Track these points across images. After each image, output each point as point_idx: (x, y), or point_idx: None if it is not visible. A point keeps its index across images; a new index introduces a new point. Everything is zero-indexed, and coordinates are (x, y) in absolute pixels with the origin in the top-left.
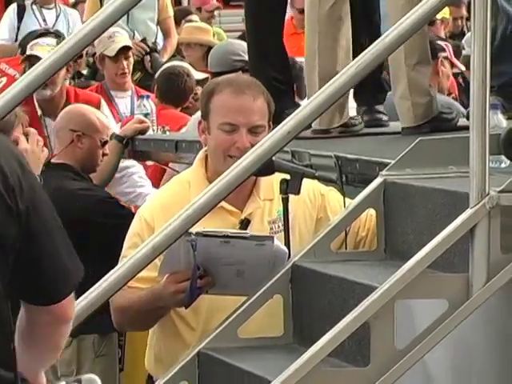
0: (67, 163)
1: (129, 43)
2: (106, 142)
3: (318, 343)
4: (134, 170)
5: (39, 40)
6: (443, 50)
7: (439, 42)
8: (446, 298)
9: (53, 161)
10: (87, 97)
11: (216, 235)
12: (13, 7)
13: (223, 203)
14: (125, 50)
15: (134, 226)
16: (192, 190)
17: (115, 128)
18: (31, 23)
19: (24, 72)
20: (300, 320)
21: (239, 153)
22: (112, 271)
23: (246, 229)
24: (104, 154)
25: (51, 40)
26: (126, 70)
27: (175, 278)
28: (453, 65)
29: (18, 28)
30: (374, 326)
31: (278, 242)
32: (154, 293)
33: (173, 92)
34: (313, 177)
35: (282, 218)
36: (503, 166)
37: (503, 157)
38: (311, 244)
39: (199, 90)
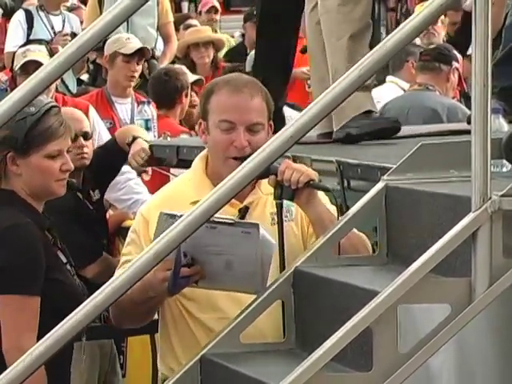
0: None
1: (144, 45)
2: (77, 136)
3: (321, 348)
4: (130, 176)
5: (30, 47)
6: (457, 60)
7: (455, 52)
8: (449, 302)
9: None
10: (75, 104)
11: None
12: (21, 13)
13: None
14: (140, 53)
15: (134, 222)
16: (191, 186)
17: (106, 134)
18: (40, 30)
19: (13, 79)
20: (302, 325)
21: (237, 152)
22: (113, 278)
23: (244, 216)
24: (81, 147)
25: (40, 47)
26: (135, 74)
27: (164, 265)
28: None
29: (28, 35)
30: (377, 331)
31: (265, 232)
32: (144, 282)
33: (157, 95)
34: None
35: (284, 210)
36: (505, 170)
37: (505, 161)
38: (313, 249)
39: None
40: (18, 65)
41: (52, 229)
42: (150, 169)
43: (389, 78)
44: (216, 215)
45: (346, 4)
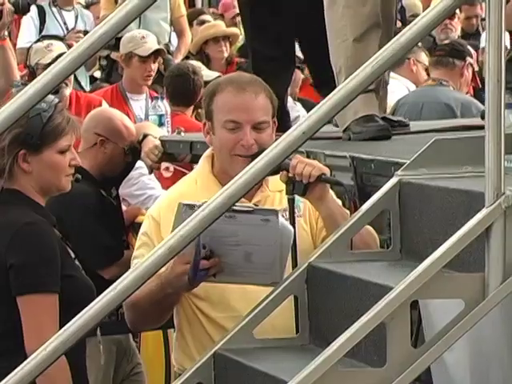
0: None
1: (160, 47)
2: (131, 151)
3: (334, 344)
4: (144, 172)
5: (52, 41)
6: (471, 56)
7: (469, 48)
8: (462, 297)
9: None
10: (88, 99)
11: None
12: (33, 9)
13: None
14: (156, 53)
15: (143, 225)
16: (199, 186)
17: None
18: (53, 26)
19: (31, 74)
20: (315, 320)
21: (244, 151)
22: (127, 273)
23: None
24: (128, 162)
25: (59, 42)
26: (152, 73)
27: (182, 259)
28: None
29: (40, 30)
30: (390, 327)
31: (284, 220)
32: (162, 279)
33: (181, 93)
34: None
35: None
36: None
37: None
38: (327, 244)
39: None
40: (41, 58)
41: (56, 225)
42: (171, 166)
43: None
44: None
45: (351, 6)
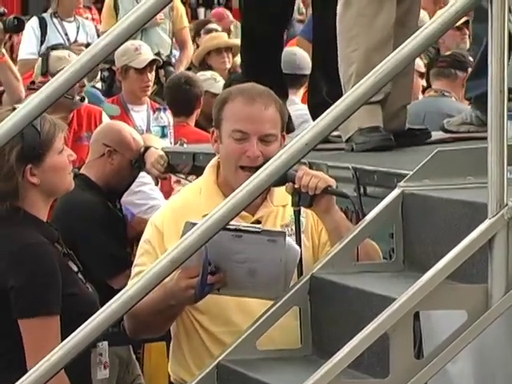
0: (84, 174)
1: (154, 57)
2: (138, 164)
3: (337, 355)
4: (146, 181)
5: (69, 52)
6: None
7: (470, 59)
8: (466, 308)
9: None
10: (89, 110)
11: (228, 228)
12: (35, 20)
13: None
14: (151, 63)
15: (145, 233)
16: (202, 196)
17: None
18: (54, 37)
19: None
20: (319, 332)
21: (250, 162)
22: (130, 285)
23: None
24: (135, 176)
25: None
26: (150, 84)
27: (187, 274)
28: None
29: (42, 42)
30: (393, 338)
31: (290, 240)
32: (165, 290)
33: (176, 105)
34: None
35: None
36: None
37: None
38: (330, 255)
39: None
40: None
41: (59, 239)
42: (182, 180)
43: None
44: (242, 224)
45: (365, 15)
